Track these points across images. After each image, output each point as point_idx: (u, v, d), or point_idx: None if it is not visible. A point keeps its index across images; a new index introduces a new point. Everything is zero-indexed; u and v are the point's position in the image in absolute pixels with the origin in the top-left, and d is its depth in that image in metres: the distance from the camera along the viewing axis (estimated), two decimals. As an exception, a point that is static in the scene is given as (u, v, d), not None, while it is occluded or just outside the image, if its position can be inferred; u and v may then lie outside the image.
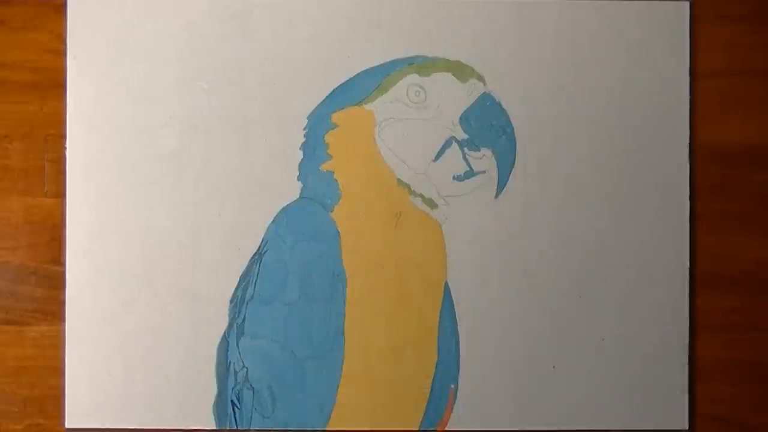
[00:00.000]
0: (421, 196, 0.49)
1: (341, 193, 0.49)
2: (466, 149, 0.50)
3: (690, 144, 0.50)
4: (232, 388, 0.49)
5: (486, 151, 0.50)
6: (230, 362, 0.49)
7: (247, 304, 0.49)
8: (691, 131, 0.50)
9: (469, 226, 0.49)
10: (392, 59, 0.50)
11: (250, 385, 0.49)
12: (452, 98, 0.50)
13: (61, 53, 0.49)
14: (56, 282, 0.49)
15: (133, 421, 0.49)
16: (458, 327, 0.49)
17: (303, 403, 0.48)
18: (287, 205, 0.49)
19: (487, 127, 0.50)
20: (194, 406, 0.49)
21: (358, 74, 0.50)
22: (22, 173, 0.49)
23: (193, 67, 0.49)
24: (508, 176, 0.50)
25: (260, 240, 0.49)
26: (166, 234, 0.49)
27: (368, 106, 0.50)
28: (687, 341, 0.49)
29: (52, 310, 0.49)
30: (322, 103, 0.50)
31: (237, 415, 0.49)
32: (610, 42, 0.50)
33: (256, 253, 0.49)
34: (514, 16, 0.50)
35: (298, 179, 0.49)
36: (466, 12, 0.50)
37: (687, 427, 0.49)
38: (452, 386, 0.49)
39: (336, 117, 0.50)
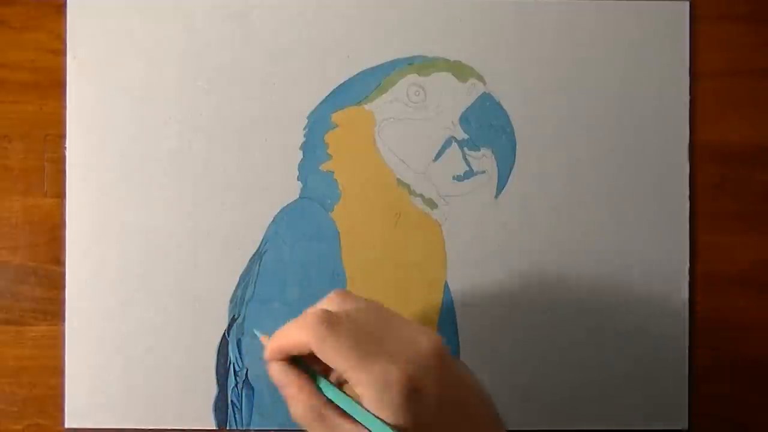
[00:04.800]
0: (421, 196, 0.50)
1: (341, 193, 0.49)
2: (466, 149, 0.50)
3: (690, 144, 0.50)
4: (232, 388, 0.49)
5: (486, 151, 0.50)
6: (230, 362, 0.49)
7: (247, 304, 0.49)
8: (691, 131, 0.50)
9: (469, 226, 0.49)
10: (392, 59, 0.50)
11: (250, 385, 0.49)
12: (452, 98, 0.50)
13: (60, 53, 0.49)
14: (56, 282, 0.49)
15: (133, 421, 0.49)
16: (458, 327, 0.49)
17: (303, 403, 0.48)
18: (287, 205, 0.49)
19: (487, 127, 0.50)
20: (194, 406, 0.49)
21: (357, 74, 0.50)
22: (21, 173, 0.49)
23: (193, 67, 0.49)
24: (508, 176, 0.50)
25: (260, 240, 0.49)
26: (166, 234, 0.49)
27: (368, 106, 0.50)
28: (687, 341, 0.50)
29: (52, 310, 0.49)
30: (321, 103, 0.50)
31: (237, 415, 0.49)
32: (609, 42, 0.50)
33: (256, 253, 0.49)
34: (514, 16, 0.50)
35: (298, 179, 0.49)
36: (466, 12, 0.50)
37: (687, 427, 0.49)
38: (452, 386, 0.49)
39: (336, 117, 0.50)
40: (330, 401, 0.38)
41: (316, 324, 0.37)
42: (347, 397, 0.37)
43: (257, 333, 0.43)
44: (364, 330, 0.37)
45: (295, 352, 0.38)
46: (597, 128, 0.50)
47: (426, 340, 0.37)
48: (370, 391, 0.36)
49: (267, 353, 0.39)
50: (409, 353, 0.37)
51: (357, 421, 0.37)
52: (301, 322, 0.37)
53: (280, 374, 0.39)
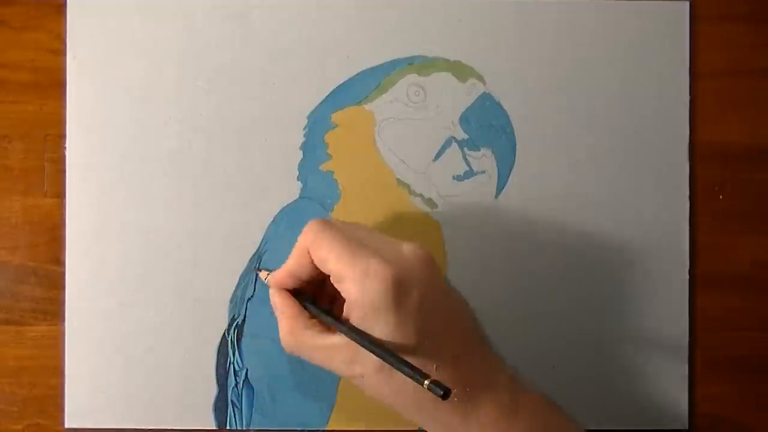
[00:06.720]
0: (421, 196, 0.50)
1: (341, 193, 0.49)
2: (466, 149, 0.50)
3: (690, 144, 0.50)
4: (232, 388, 0.49)
5: (486, 151, 0.50)
6: (230, 362, 0.49)
7: (247, 303, 0.49)
8: (691, 131, 0.50)
9: (469, 226, 0.49)
10: (392, 59, 0.50)
11: (250, 385, 0.49)
12: (452, 98, 0.50)
13: (60, 53, 0.49)
14: (56, 282, 0.49)
15: (133, 421, 0.49)
16: (458, 327, 0.49)
17: (303, 403, 0.49)
18: (287, 205, 0.49)
19: (487, 127, 0.50)
20: (194, 406, 0.49)
21: (357, 74, 0.50)
22: (21, 173, 0.49)
23: (193, 67, 0.49)
24: (508, 176, 0.50)
25: (260, 240, 0.49)
26: (166, 234, 0.49)
27: (368, 106, 0.50)
28: (687, 341, 0.50)
29: (52, 310, 0.49)
30: (321, 103, 0.50)
31: (237, 415, 0.49)
32: (609, 42, 0.50)
33: (255, 253, 0.49)
34: (514, 16, 0.50)
35: (298, 179, 0.49)
36: (466, 12, 0.50)
37: (687, 427, 0.49)
38: (452, 386, 0.49)
39: (336, 117, 0.50)
40: (311, 325, 0.40)
41: (312, 224, 0.40)
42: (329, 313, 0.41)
43: (260, 272, 0.46)
44: (355, 234, 0.40)
45: (296, 267, 0.41)
46: (597, 128, 0.50)
47: (414, 248, 0.40)
48: (355, 286, 0.38)
49: (272, 280, 0.43)
50: (397, 256, 0.39)
51: (333, 335, 0.39)
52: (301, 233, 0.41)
53: (274, 297, 0.42)
